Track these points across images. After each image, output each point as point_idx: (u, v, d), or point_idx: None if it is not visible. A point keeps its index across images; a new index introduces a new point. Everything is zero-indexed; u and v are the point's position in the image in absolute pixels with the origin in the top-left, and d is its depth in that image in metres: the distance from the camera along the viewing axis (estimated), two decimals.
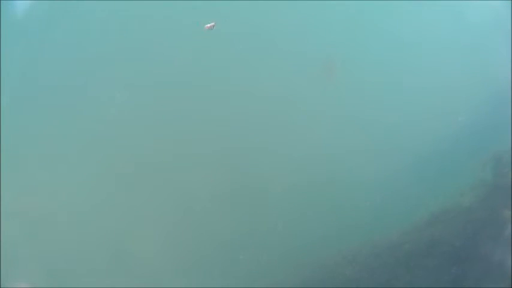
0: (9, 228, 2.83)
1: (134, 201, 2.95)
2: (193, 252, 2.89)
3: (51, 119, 3.08)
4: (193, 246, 2.91)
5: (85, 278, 2.82)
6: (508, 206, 2.70)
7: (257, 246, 2.87)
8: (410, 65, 3.28)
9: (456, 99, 3.17)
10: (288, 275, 2.82)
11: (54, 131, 3.05)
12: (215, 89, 3.13)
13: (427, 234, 2.84)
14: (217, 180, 3.00)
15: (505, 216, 2.65)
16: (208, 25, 3.02)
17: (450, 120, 3.08)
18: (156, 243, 2.91)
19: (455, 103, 3.15)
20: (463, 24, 3.38)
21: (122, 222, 2.93)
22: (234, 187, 2.99)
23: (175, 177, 3.02)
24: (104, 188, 2.97)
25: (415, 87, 3.20)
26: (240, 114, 3.11)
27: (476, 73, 3.24)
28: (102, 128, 3.07)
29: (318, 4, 3.34)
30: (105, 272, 2.84)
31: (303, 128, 3.12)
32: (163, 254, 2.88)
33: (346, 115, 3.14)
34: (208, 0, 3.25)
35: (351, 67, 3.23)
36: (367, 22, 3.35)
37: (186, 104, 3.12)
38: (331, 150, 3.05)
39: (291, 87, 3.17)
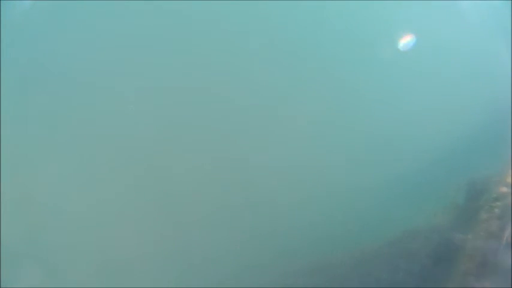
0: (10, 228, 2.89)
1: (133, 201, 3.01)
2: (191, 252, 2.97)
3: (51, 119, 3.14)
4: (191, 246, 2.98)
5: (85, 277, 2.89)
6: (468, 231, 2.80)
7: (248, 247, 2.94)
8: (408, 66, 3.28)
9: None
10: (279, 276, 2.90)
11: (54, 131, 3.13)
12: (210, 94, 3.18)
13: (399, 249, 2.96)
14: (213, 183, 3.07)
15: (464, 239, 2.76)
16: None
17: (430, 141, 3.13)
18: (153, 243, 2.96)
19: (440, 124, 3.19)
20: (463, 23, 3.35)
21: (121, 222, 2.98)
22: (229, 189, 3.05)
23: (173, 176, 3.09)
24: (103, 188, 3.03)
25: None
26: (235, 121, 3.16)
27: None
28: (102, 128, 3.13)
29: (314, 4, 3.31)
30: (104, 272, 2.90)
31: (291, 136, 3.17)
32: (162, 253, 2.94)
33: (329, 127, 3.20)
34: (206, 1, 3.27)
35: (346, 70, 3.24)
36: (364, 22, 3.32)
37: (184, 107, 3.17)
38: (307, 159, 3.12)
39: (288, 93, 3.20)
